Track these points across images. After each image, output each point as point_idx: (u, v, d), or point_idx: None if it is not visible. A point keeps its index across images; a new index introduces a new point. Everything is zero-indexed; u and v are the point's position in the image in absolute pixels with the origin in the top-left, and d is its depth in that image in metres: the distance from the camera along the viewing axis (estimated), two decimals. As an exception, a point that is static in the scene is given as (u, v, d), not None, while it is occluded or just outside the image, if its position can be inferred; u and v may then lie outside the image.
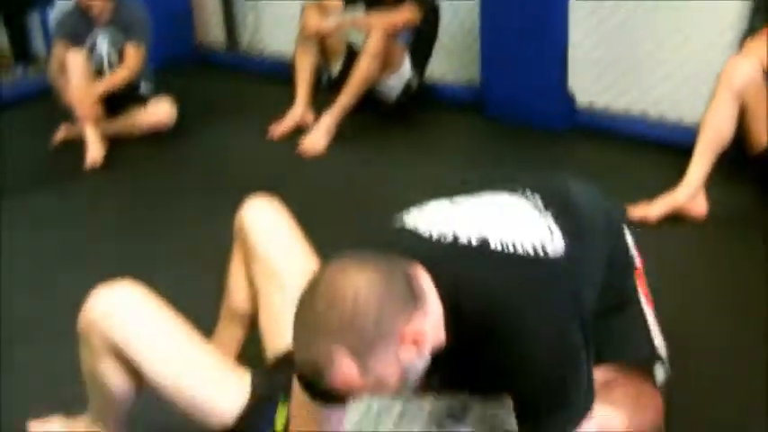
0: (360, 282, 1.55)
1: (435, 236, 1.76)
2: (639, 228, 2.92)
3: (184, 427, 2.19)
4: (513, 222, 1.80)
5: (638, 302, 2.27)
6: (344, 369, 1.53)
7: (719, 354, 2.61)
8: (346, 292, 1.54)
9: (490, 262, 1.72)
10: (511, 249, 1.73)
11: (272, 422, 2.03)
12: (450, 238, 1.75)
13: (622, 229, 2.15)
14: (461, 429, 1.99)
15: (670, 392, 2.17)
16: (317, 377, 1.56)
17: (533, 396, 1.69)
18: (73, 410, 2.36)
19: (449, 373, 1.73)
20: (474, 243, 1.73)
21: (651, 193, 3.29)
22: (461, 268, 1.71)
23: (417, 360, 1.62)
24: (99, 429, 2.27)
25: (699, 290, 2.91)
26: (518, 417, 1.74)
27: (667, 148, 3.71)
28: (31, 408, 2.45)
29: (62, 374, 2.43)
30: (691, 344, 2.47)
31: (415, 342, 1.59)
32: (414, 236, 1.78)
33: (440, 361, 1.68)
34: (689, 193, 3.24)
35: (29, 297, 3.07)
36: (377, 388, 1.59)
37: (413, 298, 1.59)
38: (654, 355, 2.21)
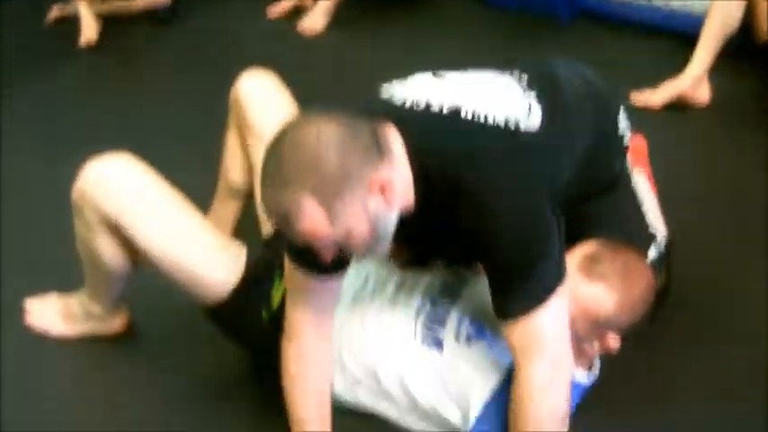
0: (324, 129, 1.54)
1: (408, 104, 1.75)
2: (641, 113, 2.96)
3: (180, 303, 2.20)
4: (491, 96, 1.78)
5: (629, 184, 2.26)
6: (312, 215, 1.52)
7: (719, 236, 2.62)
8: (310, 139, 1.53)
9: (457, 130, 1.71)
10: (481, 120, 1.71)
11: (267, 297, 2.03)
12: (422, 106, 1.74)
13: (613, 110, 2.12)
14: (452, 310, 1.99)
15: (667, 272, 2.18)
16: (286, 227, 1.55)
17: (503, 266, 1.69)
18: (70, 288, 2.36)
19: (418, 241, 1.72)
20: (445, 111, 1.72)
21: (655, 81, 3.24)
22: (429, 134, 1.70)
23: (386, 213, 1.60)
24: (94, 306, 2.28)
25: (699, 176, 2.91)
26: (490, 287, 1.74)
27: (672, 36, 3.63)
28: (29, 285, 2.46)
29: (62, 253, 2.41)
30: (689, 228, 2.45)
31: (382, 190, 1.57)
32: (386, 104, 1.77)
33: (408, 226, 1.66)
34: (693, 81, 3.19)
35: (29, 180, 3.04)
36: (347, 239, 1.57)
37: (379, 149, 1.58)
38: (647, 237, 2.20)
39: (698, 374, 2.18)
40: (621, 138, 2.15)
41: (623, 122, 2.14)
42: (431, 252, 1.90)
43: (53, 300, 2.39)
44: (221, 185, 2.45)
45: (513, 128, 1.72)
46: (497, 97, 1.78)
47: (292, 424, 1.91)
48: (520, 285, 1.67)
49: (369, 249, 1.65)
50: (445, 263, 2.04)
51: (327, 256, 1.62)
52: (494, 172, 1.66)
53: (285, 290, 1.93)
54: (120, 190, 1.97)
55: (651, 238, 2.23)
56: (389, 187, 1.59)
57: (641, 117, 2.27)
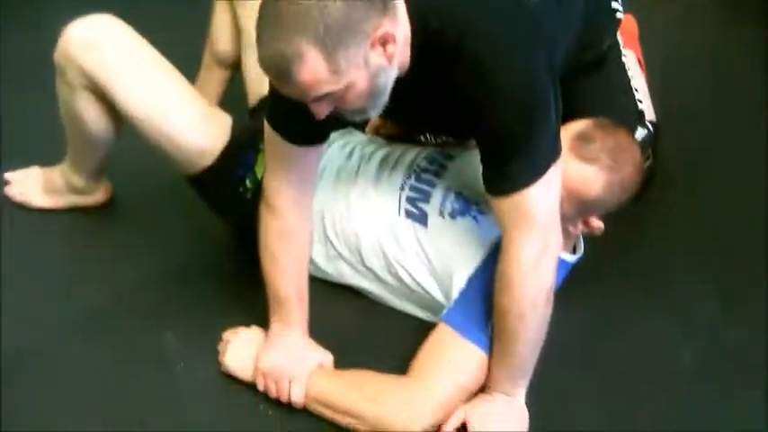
0: None
1: None
2: None
3: (162, 176, 2.19)
4: None
5: (619, 61, 2.24)
6: (313, 65, 1.45)
7: (706, 119, 2.63)
8: None
9: None
10: None
11: (251, 167, 2.00)
12: None
13: None
14: (437, 185, 1.97)
15: (654, 153, 2.17)
16: (285, 79, 1.48)
17: (500, 134, 1.63)
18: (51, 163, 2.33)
19: (408, 111, 1.67)
20: None
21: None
22: None
23: (386, 68, 1.54)
24: (76, 177, 2.25)
25: (689, 59, 2.90)
26: (483, 161, 1.70)
27: None
28: (8, 159, 2.43)
29: (45, 126, 2.35)
30: (677, 110, 2.45)
31: (384, 44, 1.51)
32: None
33: (401, 92, 1.61)
34: None
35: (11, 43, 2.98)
36: (345, 93, 1.51)
37: (383, 2, 1.51)
38: (635, 115, 2.18)
39: (682, 252, 2.20)
40: (614, 12, 2.12)
41: None
42: (419, 124, 1.84)
43: (34, 172, 2.36)
44: (207, 55, 2.41)
45: None
46: None
47: (270, 300, 1.90)
48: (516, 158, 1.63)
49: (364, 108, 1.58)
50: (432, 137, 1.99)
51: (321, 113, 1.56)
52: (496, 35, 1.59)
53: None
54: (105, 49, 1.91)
55: (640, 115, 2.22)
56: (392, 42, 1.53)
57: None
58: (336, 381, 1.83)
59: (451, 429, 1.76)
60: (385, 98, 1.58)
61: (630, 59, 2.31)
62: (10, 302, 2.07)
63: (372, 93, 1.55)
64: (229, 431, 1.83)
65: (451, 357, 1.80)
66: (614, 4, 2.12)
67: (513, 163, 1.63)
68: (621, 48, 2.27)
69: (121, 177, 2.35)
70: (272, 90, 1.72)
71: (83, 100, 1.98)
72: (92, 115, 2.02)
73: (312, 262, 2.02)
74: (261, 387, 1.86)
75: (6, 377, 1.89)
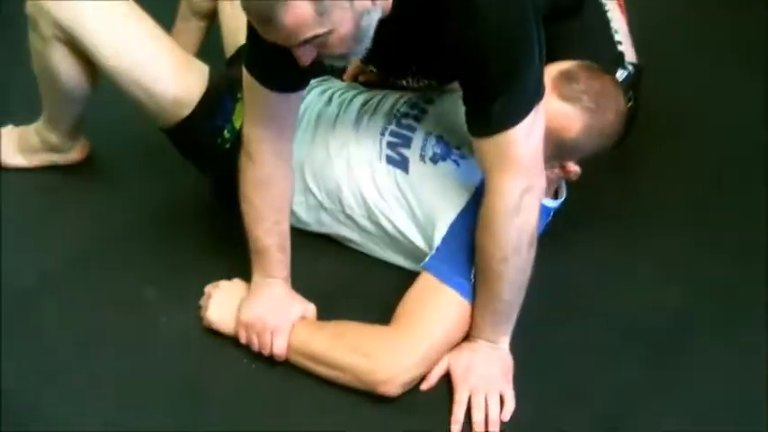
0: None
1: None
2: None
3: (139, 129, 2.17)
4: None
5: (598, 3, 2.21)
6: (299, 6, 1.40)
7: (688, 65, 2.62)
8: None
9: None
10: None
11: (229, 117, 1.98)
12: None
13: None
14: (418, 129, 1.95)
15: (635, 97, 2.15)
16: (269, 22, 1.43)
17: (485, 75, 1.61)
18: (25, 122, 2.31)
19: (390, 54, 1.64)
20: None
21: None
22: None
23: (370, 9, 1.51)
24: (52, 135, 2.22)
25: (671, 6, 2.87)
26: (467, 103, 1.68)
27: None
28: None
29: (18, 84, 2.36)
30: (658, 55, 2.41)
31: None
32: None
33: (383, 36, 1.57)
34: None
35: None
36: (329, 35, 1.47)
37: None
38: (615, 57, 2.16)
39: (664, 197, 2.21)
40: None
41: None
42: (402, 67, 1.81)
43: (8, 131, 2.32)
44: (184, 5, 2.39)
45: None
46: None
47: (252, 252, 1.88)
48: (500, 99, 1.60)
49: (348, 52, 1.54)
50: (413, 81, 1.96)
51: (306, 59, 1.51)
52: None
53: None
54: (80, 2, 1.87)
55: (619, 57, 2.19)
56: None
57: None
58: (319, 332, 1.82)
59: (436, 379, 1.75)
60: (368, 41, 1.55)
61: (609, 2, 2.28)
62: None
63: (356, 36, 1.51)
64: (213, 385, 1.81)
65: (434, 306, 1.79)
66: None
67: (497, 103, 1.61)
68: None
69: (98, 134, 2.32)
70: (251, 36, 1.68)
71: (56, 52, 1.95)
72: (66, 68, 1.98)
73: (292, 213, 1.99)
74: (243, 340, 1.84)
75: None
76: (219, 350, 1.86)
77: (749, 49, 2.67)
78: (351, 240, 2.03)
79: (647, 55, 2.24)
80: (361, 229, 1.98)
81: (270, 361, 1.82)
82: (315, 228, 2.04)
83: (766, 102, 2.47)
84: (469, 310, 1.78)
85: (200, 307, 1.91)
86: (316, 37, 1.45)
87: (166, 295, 1.98)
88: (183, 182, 2.23)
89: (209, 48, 2.37)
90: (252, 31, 1.65)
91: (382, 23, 1.56)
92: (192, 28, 2.35)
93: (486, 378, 1.73)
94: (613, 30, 2.23)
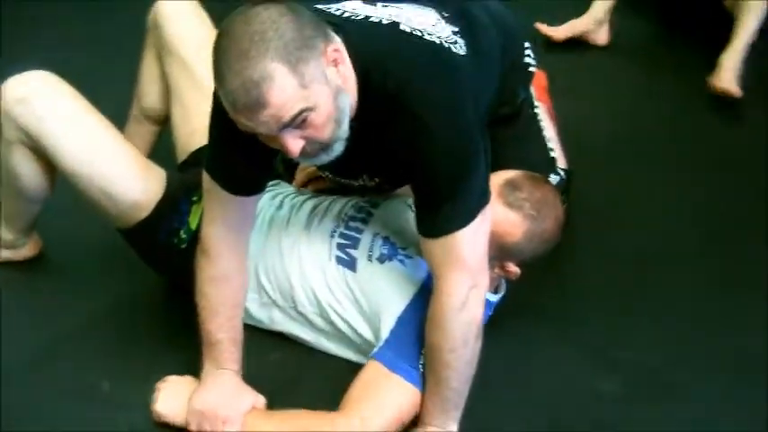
0: (270, 8, 1.53)
1: (346, 14, 1.76)
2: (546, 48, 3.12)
3: (92, 230, 2.28)
4: (423, 20, 1.81)
5: (533, 113, 2.36)
6: (281, 79, 1.51)
7: (615, 167, 2.76)
8: (261, 15, 1.52)
9: (399, 38, 1.73)
10: (419, 34, 1.75)
11: (185, 219, 2.06)
12: (360, 16, 1.76)
13: (520, 40, 2.22)
14: (365, 231, 2.06)
15: (567, 199, 2.29)
16: (257, 100, 1.51)
17: (434, 180, 1.73)
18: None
19: (357, 148, 1.73)
20: (384, 22, 1.75)
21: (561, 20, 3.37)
22: (371, 38, 1.72)
23: (343, 90, 1.62)
24: (6, 231, 2.27)
25: (599, 110, 3.05)
26: (417, 205, 1.79)
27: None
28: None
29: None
30: (586, 159, 2.59)
31: (336, 63, 1.60)
32: (322, 11, 1.75)
33: (351, 131, 1.68)
34: (593, 21, 3.32)
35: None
36: (314, 112, 1.57)
37: (323, 30, 1.60)
38: (547, 162, 2.31)
39: (595, 292, 2.33)
40: (527, 66, 2.25)
41: (529, 53, 2.24)
42: (354, 172, 1.93)
43: None
44: (135, 110, 2.46)
45: (447, 48, 1.76)
46: (428, 23, 1.80)
47: (204, 344, 1.94)
48: (448, 203, 1.72)
49: (331, 138, 1.64)
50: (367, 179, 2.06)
51: (295, 147, 1.60)
52: (434, 86, 1.69)
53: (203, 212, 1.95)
54: (41, 106, 1.96)
55: (551, 162, 2.33)
56: (341, 60, 1.61)
57: (544, 54, 2.36)
58: (271, 420, 1.89)
59: None
60: (345, 128, 1.65)
61: (542, 111, 2.44)
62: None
63: (336, 117, 1.61)
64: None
65: (382, 392, 1.88)
66: (527, 60, 2.26)
67: (446, 208, 1.73)
68: (534, 100, 2.40)
69: (50, 231, 2.38)
70: (214, 141, 1.81)
71: (18, 155, 2.03)
72: (27, 170, 2.06)
73: (245, 309, 2.06)
74: (193, 428, 1.90)
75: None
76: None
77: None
78: (301, 338, 2.11)
79: (576, 156, 2.41)
80: (313, 325, 2.06)
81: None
82: (267, 325, 2.11)
83: (683, 197, 2.65)
84: (417, 396, 1.88)
85: (150, 403, 1.95)
86: (301, 112, 1.55)
87: (121, 388, 2.03)
88: (135, 279, 2.29)
89: (158, 151, 2.44)
90: (215, 136, 1.78)
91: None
92: (143, 131, 2.41)
93: None
94: (546, 137, 2.38)
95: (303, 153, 1.63)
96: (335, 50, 1.60)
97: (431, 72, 1.71)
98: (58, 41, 3.23)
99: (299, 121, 1.56)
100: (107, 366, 2.09)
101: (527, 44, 2.26)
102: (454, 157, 1.71)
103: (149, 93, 2.39)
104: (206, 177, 1.86)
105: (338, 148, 1.68)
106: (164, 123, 2.44)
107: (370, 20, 1.75)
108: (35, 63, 2.04)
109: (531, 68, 2.29)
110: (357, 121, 1.69)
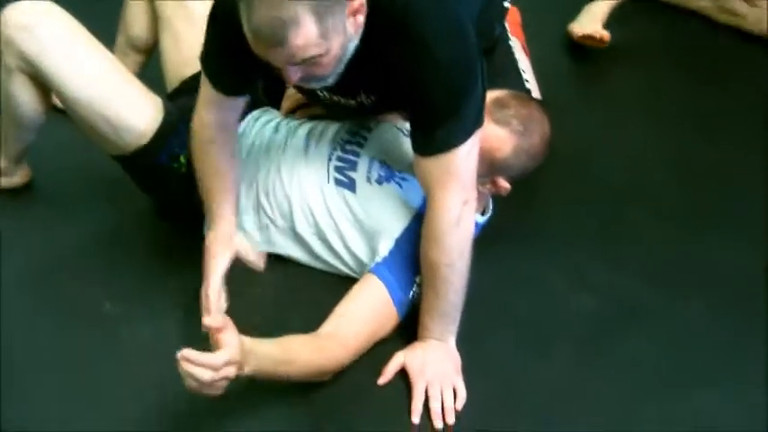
0: None
1: None
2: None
3: (82, 161, 2.34)
4: None
5: (507, 46, 2.46)
6: (307, 26, 1.58)
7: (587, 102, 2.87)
8: None
9: None
10: None
11: (184, 144, 2.10)
12: None
13: None
14: (362, 154, 2.14)
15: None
16: (278, 38, 1.59)
17: (434, 100, 1.81)
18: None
19: (356, 68, 1.80)
20: None
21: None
22: None
23: (352, 37, 1.70)
24: None
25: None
26: (414, 124, 1.89)
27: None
28: None
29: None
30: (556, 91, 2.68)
31: (356, 13, 1.68)
32: None
33: (356, 54, 1.76)
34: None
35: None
36: (323, 56, 1.65)
37: None
38: (524, 92, 2.40)
39: (568, 217, 2.46)
40: (501, 1, 2.36)
41: None
42: (352, 89, 1.98)
43: None
44: (121, 40, 2.49)
45: None
46: None
47: (208, 207, 2.03)
48: (446, 123, 1.81)
49: (330, 73, 1.72)
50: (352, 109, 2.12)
51: (294, 77, 1.69)
52: (435, 13, 1.76)
53: None
54: (44, 33, 1.98)
55: (527, 93, 2.43)
56: (361, 12, 1.69)
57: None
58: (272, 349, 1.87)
59: (392, 374, 1.94)
60: (342, 65, 1.74)
61: (516, 45, 2.53)
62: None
63: (340, 59, 1.70)
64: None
65: (376, 312, 1.98)
66: None
67: (444, 126, 1.81)
68: (509, 34, 2.49)
69: (39, 161, 2.41)
70: (209, 41, 1.91)
71: (18, 82, 2.05)
72: (25, 98, 2.09)
73: (244, 232, 2.15)
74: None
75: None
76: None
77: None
78: (297, 259, 2.18)
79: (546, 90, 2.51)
80: (310, 246, 2.14)
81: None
82: (264, 248, 2.17)
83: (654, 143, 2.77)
84: (395, 319, 1.99)
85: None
86: (312, 57, 1.63)
87: (123, 307, 2.09)
88: (122, 208, 2.35)
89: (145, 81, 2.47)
90: (211, 40, 1.90)
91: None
92: (128, 62, 2.42)
93: (440, 372, 1.93)
94: (521, 69, 2.48)
95: (298, 81, 1.71)
96: (360, 3, 1.67)
97: (435, 6, 1.77)
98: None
99: (306, 62, 1.65)
100: (101, 287, 2.14)
101: None
102: (455, 76, 1.79)
103: (137, 22, 2.42)
104: (205, 78, 1.95)
105: (330, 80, 1.76)
106: (149, 54, 2.48)
107: None
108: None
109: (505, 3, 2.39)
110: (361, 45, 1.76)
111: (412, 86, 1.82)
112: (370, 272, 2.01)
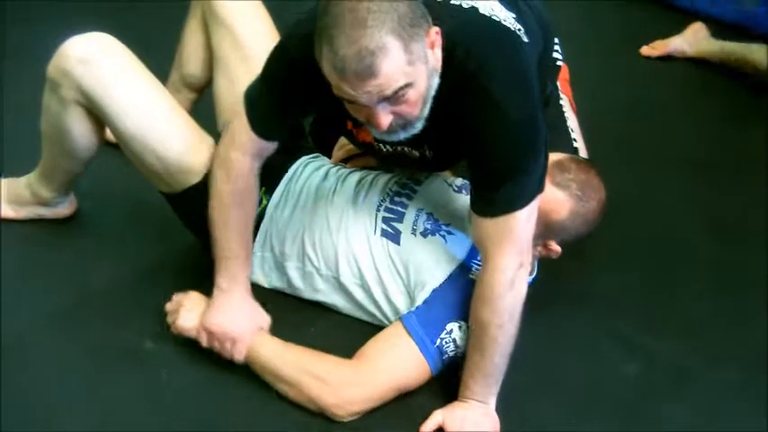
0: None
1: None
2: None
3: (122, 189, 2.37)
4: (495, 6, 1.86)
5: (558, 104, 2.45)
6: (394, 52, 1.58)
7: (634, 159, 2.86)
8: None
9: (481, 21, 1.80)
10: (496, 19, 1.82)
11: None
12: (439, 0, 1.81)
13: (552, 37, 2.29)
14: (410, 206, 2.13)
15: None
16: (369, 69, 1.58)
17: (498, 160, 1.81)
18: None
19: (432, 126, 1.81)
20: (464, 6, 1.81)
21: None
22: (455, 18, 1.77)
23: (435, 72, 1.70)
24: (45, 190, 2.31)
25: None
26: (476, 183, 1.87)
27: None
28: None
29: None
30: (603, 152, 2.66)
31: (433, 46, 1.68)
32: None
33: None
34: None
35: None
36: (410, 88, 1.64)
37: (426, 12, 1.67)
38: (571, 153, 2.39)
39: (611, 283, 2.43)
40: (555, 60, 2.35)
41: (557, 48, 2.34)
42: (417, 142, 1.95)
43: None
44: (175, 77, 2.50)
45: (517, 34, 1.83)
46: (497, 8, 1.86)
47: (218, 260, 2.05)
48: (508, 184, 1.80)
49: (416, 115, 1.72)
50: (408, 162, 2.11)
51: (385, 120, 1.68)
52: (511, 69, 1.77)
53: None
54: (103, 67, 2.00)
55: (575, 152, 2.42)
56: (437, 44, 1.69)
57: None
58: (284, 352, 1.99)
59: (429, 430, 1.92)
60: (428, 108, 1.73)
61: (566, 103, 2.53)
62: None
63: (425, 97, 1.70)
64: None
65: (396, 357, 1.97)
66: (555, 54, 2.35)
67: (506, 187, 1.81)
68: (560, 92, 2.49)
69: (84, 192, 2.42)
70: (263, 84, 1.92)
71: (74, 115, 2.06)
72: (81, 130, 2.09)
73: (286, 278, 2.16)
74: (204, 344, 2.01)
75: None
76: (225, 392, 2.00)
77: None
78: (339, 308, 2.17)
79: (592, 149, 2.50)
80: (353, 295, 2.13)
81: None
82: (306, 294, 2.18)
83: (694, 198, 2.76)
84: (423, 368, 1.97)
85: (166, 313, 2.08)
86: (403, 87, 1.62)
87: (162, 345, 2.09)
88: (168, 239, 2.35)
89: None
90: (266, 83, 1.91)
91: None
92: (181, 99, 2.41)
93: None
94: (570, 128, 2.47)
95: (388, 128, 1.70)
96: (437, 33, 1.68)
97: (509, 56, 1.79)
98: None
99: (397, 96, 1.64)
100: (142, 325, 2.13)
101: (556, 39, 2.34)
102: (522, 138, 1.79)
103: (192, 60, 2.43)
104: (242, 103, 1.96)
105: (417, 127, 1.76)
106: (201, 92, 2.49)
107: (451, 3, 1.81)
108: (89, 26, 2.07)
109: (558, 62, 2.39)
110: (438, 100, 1.76)
111: (479, 143, 1.82)
112: (399, 319, 2.01)
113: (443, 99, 1.76)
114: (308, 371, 1.94)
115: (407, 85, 1.64)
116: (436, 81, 1.73)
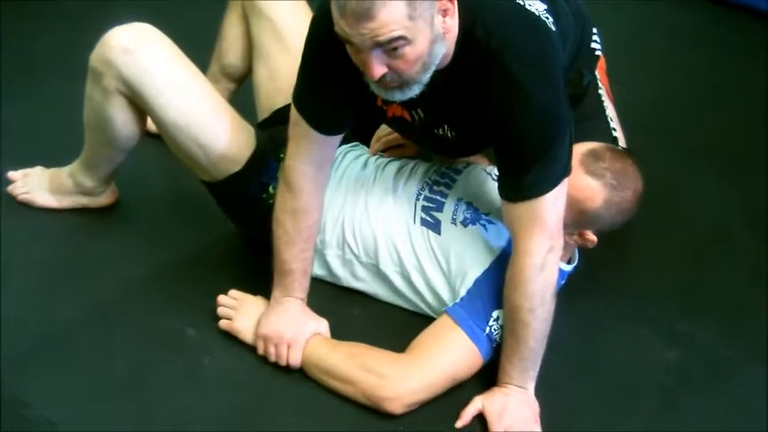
0: None
1: None
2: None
3: (163, 178, 2.40)
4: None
5: (598, 95, 2.44)
6: (397, 3, 1.57)
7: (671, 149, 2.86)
8: None
9: (504, 2, 1.81)
10: (521, 3, 1.82)
11: (274, 175, 2.13)
12: None
13: (589, 25, 2.30)
14: (449, 195, 2.14)
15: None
16: (366, 9, 1.57)
17: (523, 145, 1.82)
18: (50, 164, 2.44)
19: (445, 98, 1.82)
20: None
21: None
22: (481, 2, 1.78)
23: (441, 39, 1.69)
24: (87, 179, 2.34)
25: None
26: (502, 169, 1.89)
27: None
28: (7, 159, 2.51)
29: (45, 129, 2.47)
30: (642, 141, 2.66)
31: (445, 14, 1.67)
32: None
33: (441, 79, 1.76)
34: None
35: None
36: (409, 43, 1.63)
37: None
38: (610, 142, 2.38)
39: (654, 270, 2.43)
40: (593, 50, 2.34)
41: (595, 38, 2.33)
42: (441, 119, 1.96)
43: (38, 171, 2.44)
44: (214, 67, 2.52)
45: (544, 21, 1.84)
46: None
47: (277, 273, 2.06)
48: (535, 168, 1.81)
49: (414, 76, 1.70)
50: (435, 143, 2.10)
51: (377, 69, 1.66)
52: (534, 52, 1.78)
53: None
54: (146, 57, 2.01)
55: (614, 142, 2.41)
56: (451, 13, 1.69)
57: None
58: (336, 349, 2.01)
59: (470, 417, 1.93)
60: (428, 75, 1.72)
61: (604, 93, 2.52)
62: (22, 295, 2.15)
63: (426, 60, 1.68)
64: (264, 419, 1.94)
65: (447, 344, 1.97)
66: (594, 45, 2.34)
67: (533, 172, 1.82)
68: (599, 82, 2.48)
69: (126, 181, 2.45)
70: (303, 75, 1.92)
71: (116, 104, 2.08)
72: (123, 119, 2.11)
73: (327, 267, 2.17)
74: (260, 351, 2.03)
75: (23, 368, 1.98)
76: (268, 386, 2.01)
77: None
78: (380, 296, 2.19)
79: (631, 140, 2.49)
80: (392, 284, 2.14)
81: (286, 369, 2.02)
82: (346, 282, 2.20)
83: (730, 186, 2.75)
84: (475, 356, 1.97)
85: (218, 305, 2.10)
86: (398, 38, 1.61)
87: (205, 334, 2.10)
88: (208, 229, 2.37)
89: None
90: (305, 72, 1.91)
91: (438, 74, 1.75)
92: (220, 89, 2.43)
93: (519, 419, 1.91)
94: (609, 117, 2.47)
95: (381, 82, 1.70)
96: (451, 1, 1.68)
97: (533, 39, 1.80)
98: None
99: (392, 47, 1.62)
100: (184, 313, 2.15)
101: (594, 29, 2.34)
102: (547, 122, 1.80)
103: (231, 51, 2.46)
104: (293, 111, 1.96)
105: (415, 90, 1.74)
106: (240, 82, 2.51)
107: None
108: (131, 17, 2.09)
109: (597, 53, 2.38)
110: (451, 72, 1.77)
111: (503, 127, 1.82)
112: (445, 311, 2.01)
113: (463, 75, 1.78)
114: (363, 366, 1.94)
115: (403, 39, 1.61)
116: (442, 50, 1.72)
